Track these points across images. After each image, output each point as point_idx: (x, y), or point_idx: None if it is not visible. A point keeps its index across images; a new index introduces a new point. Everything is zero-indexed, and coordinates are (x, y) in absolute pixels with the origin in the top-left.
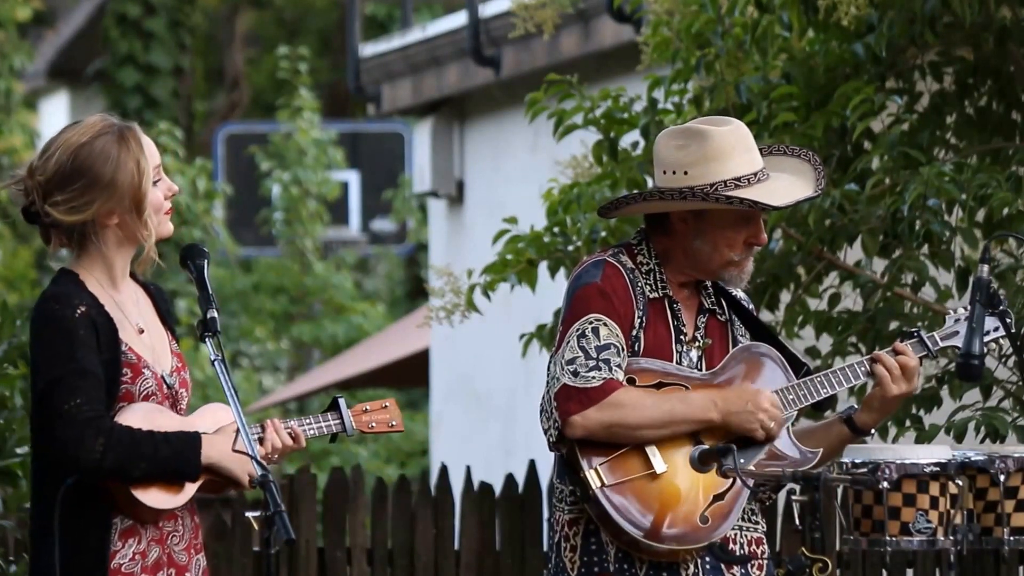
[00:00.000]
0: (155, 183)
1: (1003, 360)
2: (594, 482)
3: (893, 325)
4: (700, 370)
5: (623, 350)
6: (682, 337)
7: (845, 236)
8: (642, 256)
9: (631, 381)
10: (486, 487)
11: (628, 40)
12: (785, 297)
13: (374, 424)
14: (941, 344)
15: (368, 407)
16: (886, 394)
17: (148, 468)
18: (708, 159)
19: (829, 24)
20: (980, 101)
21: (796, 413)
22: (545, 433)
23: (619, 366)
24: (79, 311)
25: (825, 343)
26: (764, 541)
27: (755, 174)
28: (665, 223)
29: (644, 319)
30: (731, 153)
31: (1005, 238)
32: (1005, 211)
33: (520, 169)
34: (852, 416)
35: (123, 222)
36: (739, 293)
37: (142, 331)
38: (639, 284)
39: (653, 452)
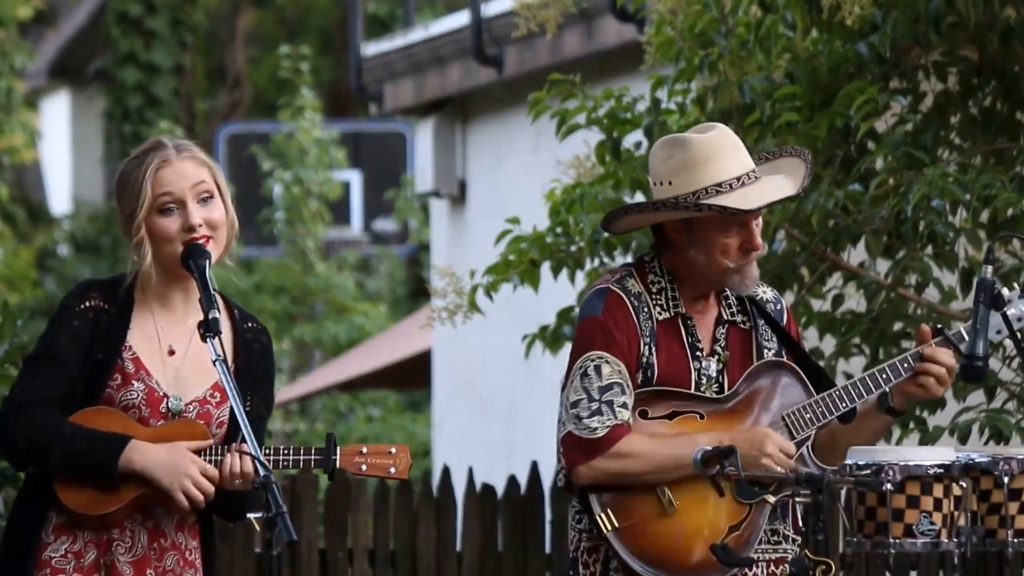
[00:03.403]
0: (165, 210)
1: (1007, 362)
2: (606, 526)
3: (897, 326)
4: (720, 383)
5: (628, 386)
6: (698, 353)
7: (849, 237)
8: (653, 274)
9: (643, 412)
10: (488, 488)
11: (631, 40)
12: (788, 298)
13: (365, 467)
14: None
15: (366, 449)
16: (928, 396)
17: (64, 457)
18: (689, 167)
19: (833, 24)
20: (984, 101)
21: (814, 433)
22: (556, 475)
23: (624, 405)
24: (86, 303)
25: (829, 344)
26: (785, 560)
27: (738, 179)
28: (665, 236)
29: (654, 344)
30: (711, 159)
31: (1009, 239)
32: (1009, 212)
33: (522, 169)
34: (891, 404)
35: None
36: (766, 295)
37: (172, 352)
38: (646, 309)
39: (663, 489)
